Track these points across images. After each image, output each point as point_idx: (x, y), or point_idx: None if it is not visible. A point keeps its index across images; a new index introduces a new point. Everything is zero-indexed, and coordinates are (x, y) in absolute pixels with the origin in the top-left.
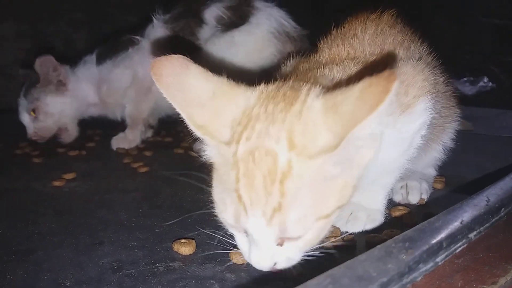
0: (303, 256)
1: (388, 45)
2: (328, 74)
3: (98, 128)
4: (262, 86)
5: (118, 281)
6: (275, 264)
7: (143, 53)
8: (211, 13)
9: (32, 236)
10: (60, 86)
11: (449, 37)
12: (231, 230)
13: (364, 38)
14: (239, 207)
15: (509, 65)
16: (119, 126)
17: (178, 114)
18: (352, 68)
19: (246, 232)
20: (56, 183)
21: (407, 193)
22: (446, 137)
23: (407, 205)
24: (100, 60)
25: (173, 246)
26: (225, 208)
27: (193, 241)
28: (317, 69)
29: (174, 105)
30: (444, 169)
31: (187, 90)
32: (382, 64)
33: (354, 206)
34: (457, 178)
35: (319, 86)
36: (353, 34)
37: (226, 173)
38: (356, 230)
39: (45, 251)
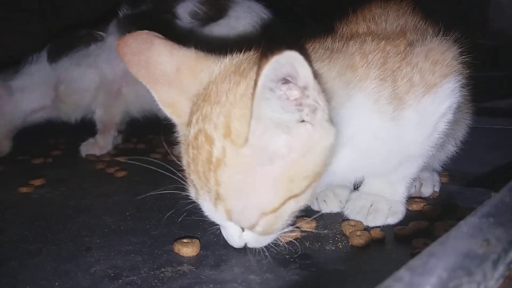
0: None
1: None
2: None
3: (60, 137)
4: (228, 58)
5: None
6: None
7: (110, 51)
8: (185, 8)
9: (1, 245)
10: None
11: None
12: None
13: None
14: (195, 189)
15: None
16: (85, 134)
17: (150, 114)
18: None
19: None
20: (23, 190)
21: (421, 185)
22: (460, 134)
23: (421, 198)
24: (53, 57)
25: (174, 247)
26: (189, 187)
27: (197, 241)
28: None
29: (144, 83)
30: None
31: (152, 66)
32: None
33: (375, 197)
34: (459, 172)
35: None
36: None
37: (183, 155)
38: (377, 224)
39: (20, 261)
